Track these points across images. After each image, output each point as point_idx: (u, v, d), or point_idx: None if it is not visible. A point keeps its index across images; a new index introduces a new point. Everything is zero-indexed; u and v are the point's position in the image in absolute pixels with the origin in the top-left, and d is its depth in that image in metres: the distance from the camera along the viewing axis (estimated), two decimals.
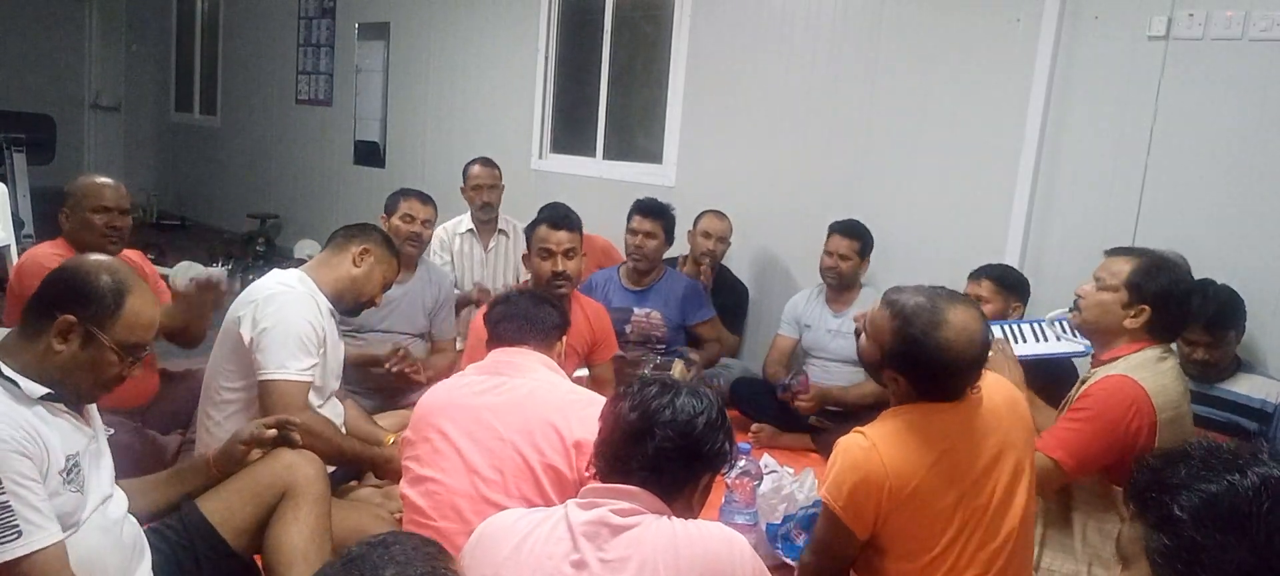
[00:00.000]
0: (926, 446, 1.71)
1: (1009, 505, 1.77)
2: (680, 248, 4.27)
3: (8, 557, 1.46)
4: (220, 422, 2.34)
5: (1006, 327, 2.85)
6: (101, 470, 1.73)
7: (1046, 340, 2.78)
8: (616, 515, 1.45)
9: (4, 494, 1.46)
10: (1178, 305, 2.20)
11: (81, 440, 1.67)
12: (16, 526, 1.46)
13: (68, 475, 1.58)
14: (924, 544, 1.72)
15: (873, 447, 1.71)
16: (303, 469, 1.94)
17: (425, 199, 3.51)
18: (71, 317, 1.59)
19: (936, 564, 1.72)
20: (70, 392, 1.65)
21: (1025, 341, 2.79)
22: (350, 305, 2.55)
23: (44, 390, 1.59)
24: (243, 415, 2.28)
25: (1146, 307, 2.16)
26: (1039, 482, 2.13)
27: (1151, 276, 2.18)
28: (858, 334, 1.88)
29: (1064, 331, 2.74)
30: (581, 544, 1.43)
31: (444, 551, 1.22)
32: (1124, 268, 2.21)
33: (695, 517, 1.57)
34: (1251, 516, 0.94)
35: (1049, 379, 2.59)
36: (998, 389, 1.86)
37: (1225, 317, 2.88)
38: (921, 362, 1.71)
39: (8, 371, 1.57)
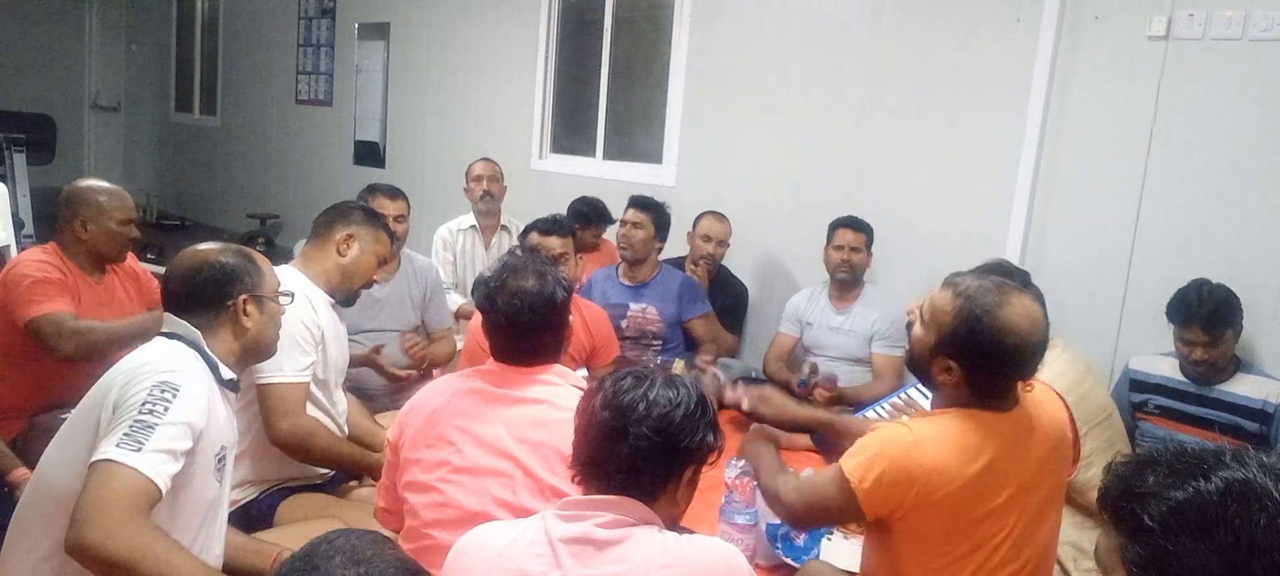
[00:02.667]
0: (970, 455, 1.63)
1: (1039, 526, 1.72)
2: (680, 248, 4.27)
3: (109, 458, 1.47)
4: None
5: (901, 395, 2.89)
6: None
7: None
8: (600, 529, 1.38)
9: (159, 420, 1.52)
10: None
11: (231, 436, 1.78)
12: (142, 444, 1.49)
13: (219, 463, 1.66)
14: (940, 550, 1.67)
15: (916, 443, 1.63)
16: None
17: (394, 193, 3.38)
18: (245, 295, 1.78)
19: (953, 571, 1.68)
20: (262, 354, 1.89)
21: (926, 397, 2.84)
22: (347, 294, 2.49)
23: (230, 376, 1.78)
24: (242, 414, 2.26)
25: None
26: None
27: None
28: (909, 326, 1.80)
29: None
30: (564, 561, 1.37)
31: (384, 540, 1.14)
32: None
33: (682, 513, 1.51)
34: (1218, 521, 0.95)
35: None
36: (1047, 405, 1.79)
37: (1222, 316, 2.88)
38: (982, 345, 1.62)
39: (208, 352, 1.73)
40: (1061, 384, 2.10)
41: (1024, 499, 1.69)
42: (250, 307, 1.79)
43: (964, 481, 1.62)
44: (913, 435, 1.65)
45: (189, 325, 1.74)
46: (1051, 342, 2.20)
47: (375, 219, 2.56)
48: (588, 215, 4.34)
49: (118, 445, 1.49)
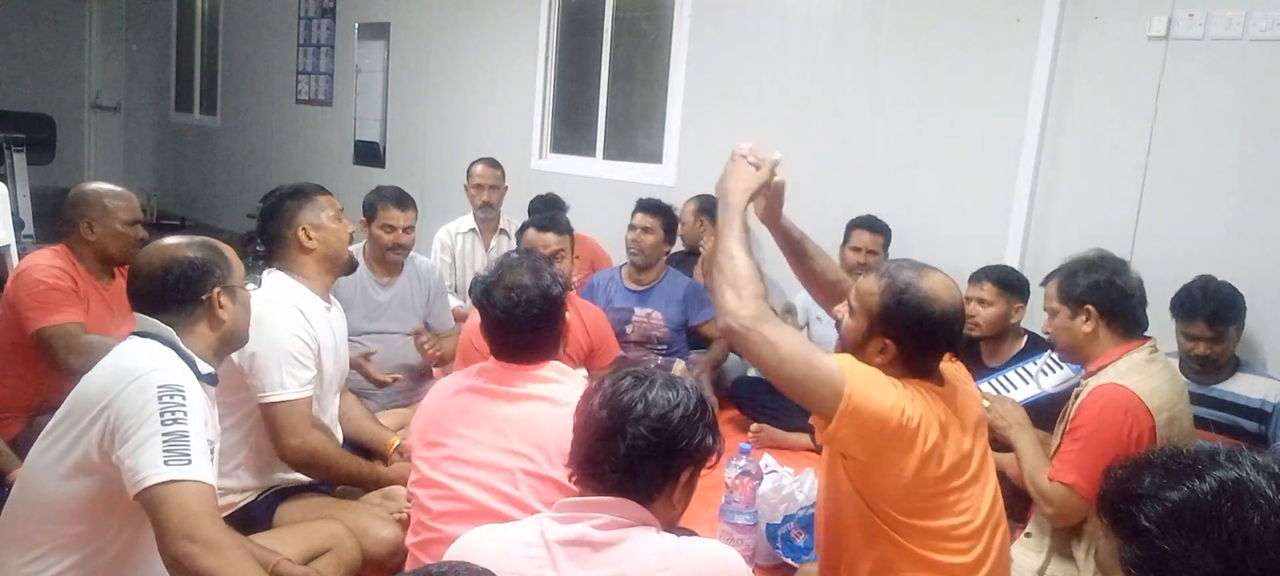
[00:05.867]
0: (930, 419, 1.69)
1: (988, 482, 1.80)
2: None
3: (171, 478, 1.50)
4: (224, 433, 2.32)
5: (995, 382, 2.90)
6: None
7: (1035, 380, 2.84)
8: (597, 531, 1.38)
9: (187, 426, 1.55)
10: (1113, 290, 2.24)
11: (216, 429, 1.80)
12: (189, 455, 1.53)
13: (211, 453, 1.66)
14: (917, 508, 1.71)
15: (906, 396, 1.66)
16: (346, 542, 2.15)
17: (404, 203, 3.35)
18: (218, 288, 1.77)
19: (938, 520, 1.71)
20: (237, 343, 1.88)
21: (1015, 388, 2.87)
22: (341, 270, 2.48)
23: (209, 370, 1.76)
24: (245, 421, 2.28)
25: (1089, 307, 2.23)
26: (1061, 512, 2.15)
27: (1074, 283, 2.27)
28: (838, 324, 1.87)
29: (1055, 366, 2.82)
30: (561, 564, 1.36)
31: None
32: (1052, 288, 2.33)
33: (679, 515, 1.51)
34: (1212, 520, 0.96)
35: (1050, 405, 2.64)
36: (964, 381, 1.89)
37: (1228, 313, 2.89)
38: (910, 315, 1.72)
39: (185, 349, 1.71)
40: (1155, 401, 2.10)
41: (968, 461, 1.75)
42: (224, 299, 1.78)
43: (928, 446, 1.67)
44: (900, 389, 1.68)
45: (162, 324, 1.71)
46: (1152, 358, 2.20)
47: (304, 193, 2.45)
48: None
49: (167, 463, 1.50)
